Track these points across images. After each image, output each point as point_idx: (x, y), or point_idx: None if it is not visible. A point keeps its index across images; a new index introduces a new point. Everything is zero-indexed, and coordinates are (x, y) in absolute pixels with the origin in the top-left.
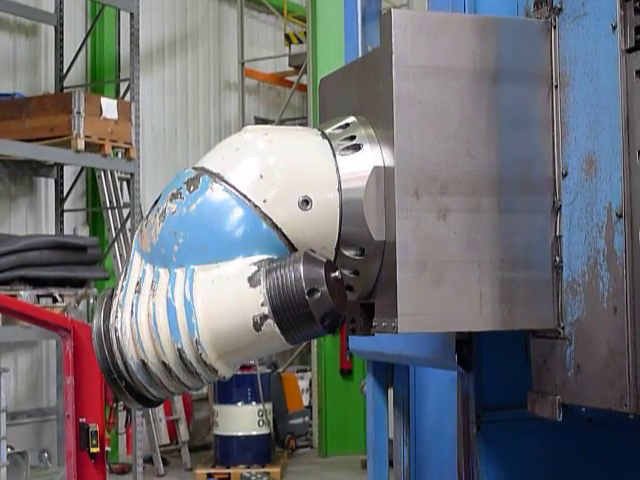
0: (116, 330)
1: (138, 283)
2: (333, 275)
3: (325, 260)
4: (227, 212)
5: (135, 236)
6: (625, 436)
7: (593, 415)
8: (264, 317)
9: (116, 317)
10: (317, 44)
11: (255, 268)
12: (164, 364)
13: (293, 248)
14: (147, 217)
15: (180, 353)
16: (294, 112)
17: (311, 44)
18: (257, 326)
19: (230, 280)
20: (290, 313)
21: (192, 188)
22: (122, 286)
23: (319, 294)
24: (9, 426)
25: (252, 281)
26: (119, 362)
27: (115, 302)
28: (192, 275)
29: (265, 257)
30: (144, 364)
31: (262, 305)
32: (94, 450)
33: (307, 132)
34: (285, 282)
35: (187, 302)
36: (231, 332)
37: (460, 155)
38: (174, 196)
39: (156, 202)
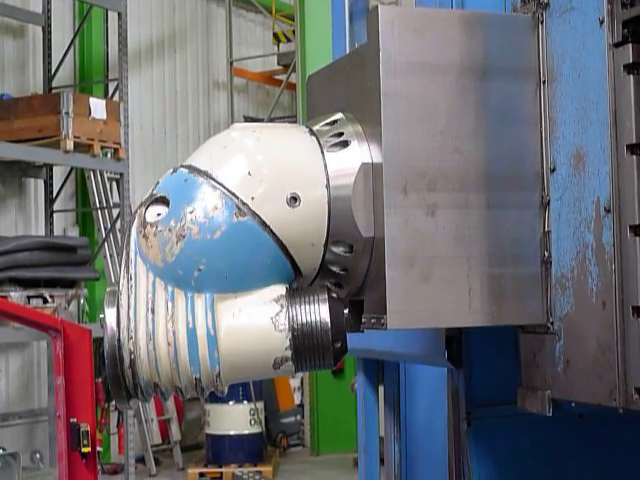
0: (131, 352)
1: (150, 300)
2: (345, 316)
3: (343, 304)
4: (252, 242)
5: (133, 236)
6: (615, 431)
7: (583, 410)
8: (285, 359)
9: (130, 338)
10: (306, 42)
11: (278, 308)
12: (177, 387)
13: (282, 245)
14: (148, 219)
15: (196, 382)
16: (283, 111)
17: (299, 42)
18: (276, 365)
19: (253, 317)
20: (311, 357)
21: (215, 210)
22: (129, 298)
23: (340, 343)
24: (0, 427)
25: (277, 324)
26: (128, 380)
27: (124, 315)
28: (212, 305)
29: (283, 288)
30: (156, 385)
31: (286, 349)
32: (85, 450)
33: (295, 129)
34: (312, 331)
35: (210, 336)
36: (250, 368)
37: (448, 151)
38: (195, 215)
39: (156, 200)
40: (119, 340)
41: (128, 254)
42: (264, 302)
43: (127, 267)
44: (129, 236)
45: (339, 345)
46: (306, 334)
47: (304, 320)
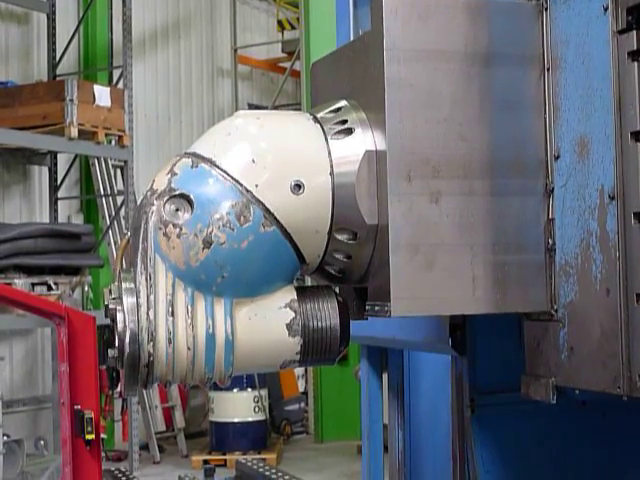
0: (150, 354)
1: (169, 302)
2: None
3: (348, 307)
4: (275, 251)
5: (151, 232)
6: (619, 418)
7: (587, 398)
8: (293, 361)
9: (150, 340)
10: (310, 30)
11: (292, 314)
12: (186, 383)
13: (286, 233)
14: (170, 218)
15: (207, 380)
16: (287, 98)
17: (304, 30)
18: (284, 366)
19: (268, 322)
20: (316, 358)
21: (243, 219)
22: (149, 298)
23: (344, 346)
24: (5, 414)
25: (291, 330)
26: (142, 375)
27: (143, 316)
28: (231, 310)
29: (293, 290)
30: (168, 381)
31: (296, 354)
32: (89, 437)
33: (299, 116)
34: (322, 338)
35: (228, 341)
36: (259, 367)
37: (452, 138)
38: (222, 222)
39: (174, 196)
40: (139, 341)
41: (145, 250)
42: (279, 307)
43: (144, 263)
44: (146, 230)
45: (343, 348)
46: (317, 340)
47: (316, 326)
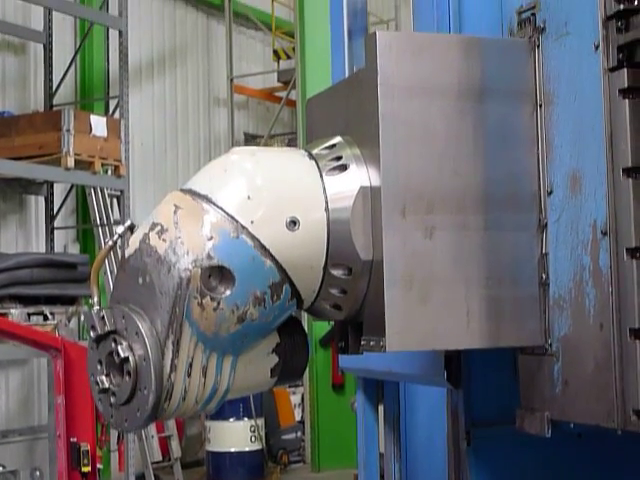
0: (164, 410)
1: (188, 364)
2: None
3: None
4: (289, 315)
5: (186, 300)
6: (615, 449)
7: (582, 430)
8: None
9: (167, 399)
10: (305, 59)
11: (276, 359)
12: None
13: (281, 269)
14: (207, 290)
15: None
16: (283, 127)
17: (299, 59)
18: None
19: (258, 368)
20: (281, 386)
21: (275, 298)
22: (173, 361)
23: None
24: (0, 444)
25: (273, 373)
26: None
27: (166, 377)
28: (235, 365)
29: (276, 335)
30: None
31: (269, 387)
32: (86, 469)
33: (294, 153)
34: (292, 376)
35: (227, 391)
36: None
37: (446, 173)
38: (258, 301)
39: (212, 266)
40: (158, 403)
41: (177, 316)
42: (267, 353)
43: (173, 328)
44: (180, 296)
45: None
46: (287, 377)
47: (291, 367)
